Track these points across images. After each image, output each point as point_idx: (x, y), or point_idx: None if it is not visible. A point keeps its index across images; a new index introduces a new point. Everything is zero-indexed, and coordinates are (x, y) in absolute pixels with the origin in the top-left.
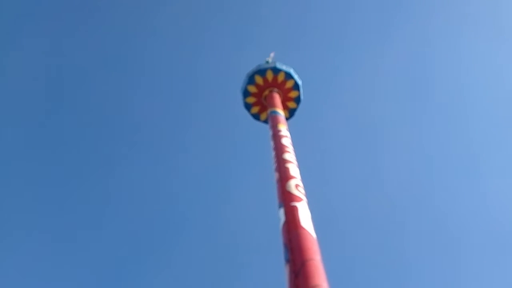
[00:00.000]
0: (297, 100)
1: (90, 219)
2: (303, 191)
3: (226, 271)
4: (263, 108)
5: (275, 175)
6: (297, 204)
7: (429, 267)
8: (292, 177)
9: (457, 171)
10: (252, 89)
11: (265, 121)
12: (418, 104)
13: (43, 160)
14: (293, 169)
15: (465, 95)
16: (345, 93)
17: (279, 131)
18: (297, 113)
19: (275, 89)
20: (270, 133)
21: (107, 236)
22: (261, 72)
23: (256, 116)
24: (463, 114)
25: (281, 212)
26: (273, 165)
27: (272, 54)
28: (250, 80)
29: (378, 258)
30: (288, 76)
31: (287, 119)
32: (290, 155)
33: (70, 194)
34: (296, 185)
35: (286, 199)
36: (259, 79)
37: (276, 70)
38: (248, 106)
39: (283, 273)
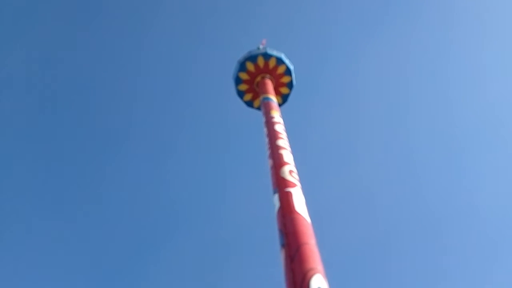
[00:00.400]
0: (290, 85)
1: (85, 217)
2: (297, 176)
3: (222, 256)
4: (256, 95)
5: (269, 162)
6: (291, 189)
7: (419, 249)
8: (285, 163)
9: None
10: (243, 76)
11: (259, 108)
12: (410, 90)
13: (39, 159)
14: (287, 155)
15: (452, 95)
16: (338, 78)
17: (272, 117)
18: (290, 98)
19: (267, 75)
20: (263, 119)
21: (101, 234)
22: (252, 58)
23: (249, 104)
24: (450, 114)
25: (276, 198)
26: (266, 151)
27: (264, 41)
28: (242, 67)
29: (372, 242)
30: (280, 61)
31: (280, 105)
32: (283, 142)
33: (65, 194)
34: (290, 171)
35: (281, 185)
36: (250, 66)
37: (267, 56)
38: (240, 94)
39: (279, 258)
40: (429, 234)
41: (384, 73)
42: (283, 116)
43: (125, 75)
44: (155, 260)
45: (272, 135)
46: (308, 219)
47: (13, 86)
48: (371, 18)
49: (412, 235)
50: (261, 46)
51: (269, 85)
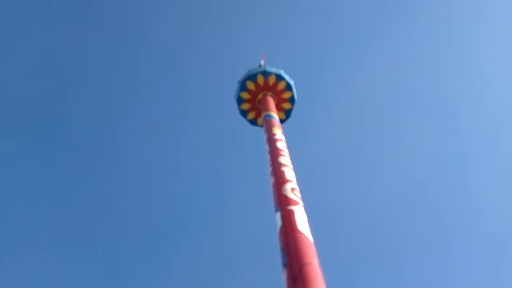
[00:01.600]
0: (292, 100)
1: (88, 219)
2: (299, 194)
3: (223, 278)
4: (259, 113)
5: (271, 179)
6: (293, 207)
7: (424, 268)
8: (287, 181)
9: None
10: (245, 95)
11: (262, 126)
12: (412, 103)
13: (45, 160)
14: (289, 172)
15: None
16: (340, 94)
17: (274, 134)
18: (292, 114)
19: (269, 93)
20: (265, 137)
21: (106, 236)
22: (252, 77)
23: (253, 122)
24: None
25: (278, 216)
26: (268, 169)
27: (262, 55)
28: (242, 86)
29: (376, 261)
30: (279, 77)
31: (284, 120)
32: (285, 159)
33: (68, 195)
34: (292, 188)
35: (283, 203)
36: (250, 85)
37: (266, 74)
38: (243, 113)
39: (281, 278)
40: (437, 251)
41: (387, 84)
42: (285, 132)
43: (133, 88)
44: (153, 269)
45: (274, 152)
46: (311, 238)
47: (12, 86)
48: (370, 25)
49: (420, 254)
50: (262, 62)
51: (271, 102)
